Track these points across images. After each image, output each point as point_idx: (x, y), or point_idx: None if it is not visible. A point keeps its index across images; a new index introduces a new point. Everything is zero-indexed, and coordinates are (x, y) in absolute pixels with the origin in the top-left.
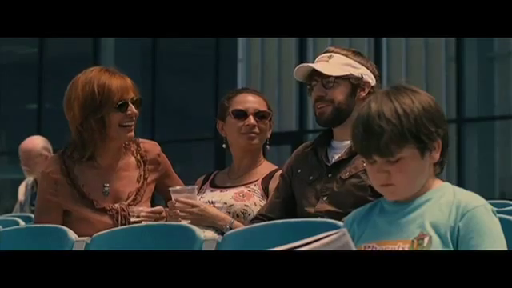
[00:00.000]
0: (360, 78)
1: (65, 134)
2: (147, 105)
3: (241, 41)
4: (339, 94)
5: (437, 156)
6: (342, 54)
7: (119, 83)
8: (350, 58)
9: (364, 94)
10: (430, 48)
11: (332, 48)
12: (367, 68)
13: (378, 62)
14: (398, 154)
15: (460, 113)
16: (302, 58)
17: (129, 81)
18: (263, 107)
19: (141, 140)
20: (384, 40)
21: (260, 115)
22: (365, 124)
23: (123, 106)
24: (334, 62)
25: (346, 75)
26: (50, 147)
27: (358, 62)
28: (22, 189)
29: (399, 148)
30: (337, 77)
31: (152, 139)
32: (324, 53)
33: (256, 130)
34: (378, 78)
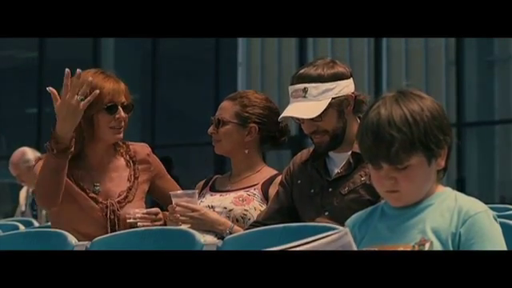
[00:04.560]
0: (341, 98)
1: None
2: (147, 108)
3: (241, 44)
4: (330, 122)
5: (442, 163)
6: (315, 81)
7: (111, 86)
8: (324, 80)
9: (351, 107)
10: (430, 52)
11: (302, 74)
12: (342, 77)
13: (377, 64)
14: (407, 162)
15: (460, 117)
16: (302, 59)
17: (122, 85)
18: (226, 114)
19: (130, 143)
20: (384, 43)
21: (218, 123)
22: (375, 132)
23: (112, 109)
24: (311, 96)
25: (329, 104)
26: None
27: (333, 80)
28: (23, 193)
29: (408, 156)
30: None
31: (151, 143)
32: (296, 83)
33: (215, 137)
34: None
